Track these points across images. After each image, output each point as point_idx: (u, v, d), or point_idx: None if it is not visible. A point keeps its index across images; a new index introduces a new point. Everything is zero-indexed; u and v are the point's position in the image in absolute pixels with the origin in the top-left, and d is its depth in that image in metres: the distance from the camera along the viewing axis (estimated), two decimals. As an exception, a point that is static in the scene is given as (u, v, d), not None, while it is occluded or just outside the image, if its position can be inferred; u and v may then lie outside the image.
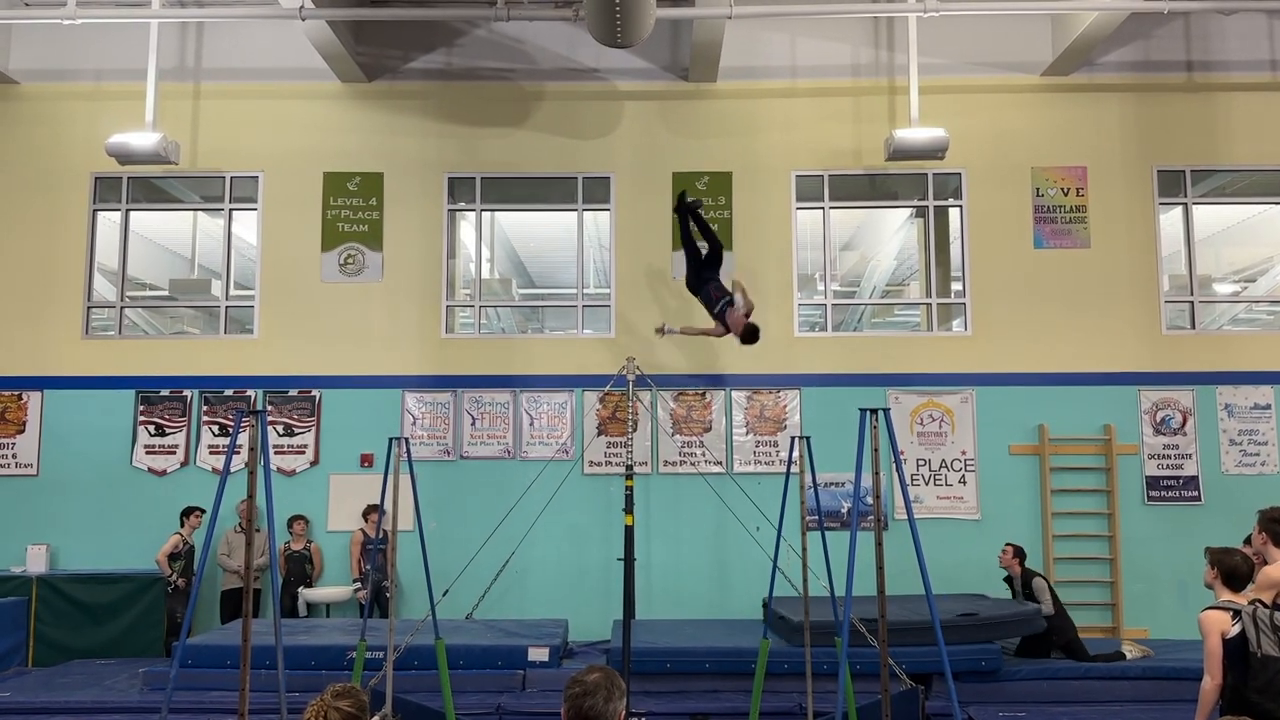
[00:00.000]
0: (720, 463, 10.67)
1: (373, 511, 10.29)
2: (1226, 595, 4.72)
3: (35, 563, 10.49)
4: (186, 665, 7.76)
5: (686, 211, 9.65)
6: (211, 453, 10.91)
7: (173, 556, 10.20)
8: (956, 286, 11.50)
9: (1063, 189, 11.13)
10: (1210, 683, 4.59)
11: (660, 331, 9.82)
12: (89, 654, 10.08)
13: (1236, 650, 4.52)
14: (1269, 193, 11.40)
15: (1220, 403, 10.85)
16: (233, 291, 11.55)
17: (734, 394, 10.98)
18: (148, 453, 10.92)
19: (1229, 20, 11.18)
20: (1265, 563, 5.11)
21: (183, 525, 10.33)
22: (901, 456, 10.28)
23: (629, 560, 8.68)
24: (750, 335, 9.07)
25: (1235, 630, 4.54)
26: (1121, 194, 11.11)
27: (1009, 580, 9.33)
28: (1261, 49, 11.23)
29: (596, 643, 9.66)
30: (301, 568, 10.43)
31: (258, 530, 9.13)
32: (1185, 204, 11.21)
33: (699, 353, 10.95)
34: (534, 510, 10.01)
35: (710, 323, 9.45)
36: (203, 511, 10.35)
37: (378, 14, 10.80)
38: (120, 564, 10.55)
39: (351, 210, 11.22)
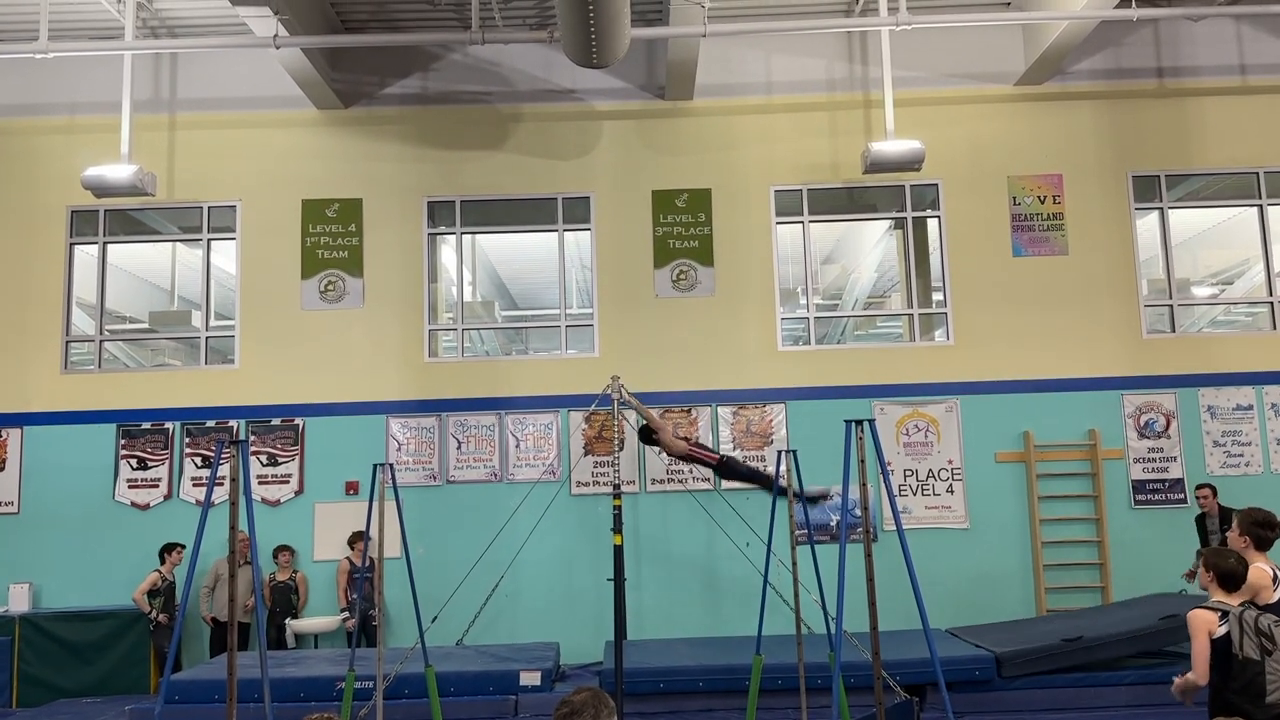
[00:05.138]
0: (708, 479, 10.63)
1: (359, 539, 10.20)
2: (1220, 596, 4.72)
3: (17, 601, 10.36)
4: (173, 701, 7.64)
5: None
6: (194, 485, 10.81)
7: (152, 593, 10.08)
8: (937, 297, 11.55)
9: (1039, 197, 11.21)
10: (1196, 680, 4.59)
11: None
12: (75, 693, 9.95)
13: (1221, 651, 4.53)
14: (1243, 195, 11.50)
15: (1203, 405, 10.91)
16: (213, 322, 11.48)
17: (720, 410, 10.97)
18: (130, 487, 10.81)
19: (1197, 26, 11.33)
20: None
21: (163, 562, 10.21)
22: (889, 467, 10.34)
23: (619, 580, 8.63)
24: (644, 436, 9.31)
25: (1222, 631, 4.55)
26: (1098, 200, 11.20)
27: (1201, 520, 9.72)
28: (1230, 54, 11.37)
29: (589, 665, 9.59)
30: (288, 599, 10.32)
31: (246, 563, 9.05)
32: (1161, 208, 11.31)
33: (684, 369, 10.95)
34: (522, 533, 9.96)
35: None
36: (183, 548, 10.23)
37: (352, 41, 10.82)
38: (105, 601, 10.41)
39: (331, 237, 11.19)
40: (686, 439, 9.35)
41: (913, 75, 11.08)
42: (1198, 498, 10.09)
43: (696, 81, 10.94)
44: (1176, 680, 4.72)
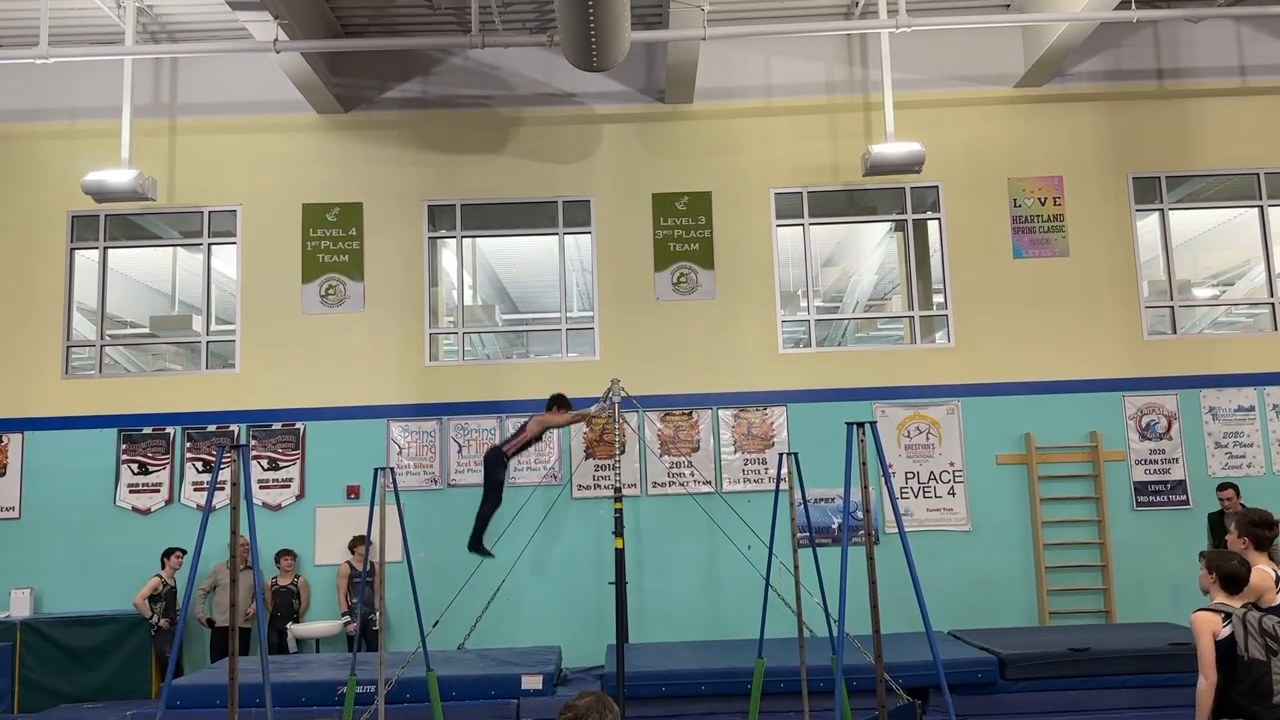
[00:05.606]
0: (709, 482, 10.63)
1: (359, 543, 10.19)
2: (1222, 598, 4.72)
3: (19, 607, 10.36)
4: (174, 706, 7.62)
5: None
6: (196, 490, 10.81)
7: (153, 598, 10.09)
8: (938, 299, 11.54)
9: (1040, 199, 11.21)
10: (1205, 684, 4.59)
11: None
12: (76, 698, 9.93)
13: (1226, 652, 4.53)
14: (1243, 196, 11.50)
15: (1204, 406, 10.90)
16: (214, 326, 11.48)
17: (721, 413, 10.97)
18: (131, 492, 10.81)
19: (1197, 27, 11.33)
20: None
21: (163, 566, 10.22)
22: (890, 470, 10.31)
23: (620, 584, 8.62)
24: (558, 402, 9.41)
25: (1226, 632, 4.55)
26: (1098, 202, 11.19)
27: (1218, 518, 9.57)
28: (1230, 55, 11.37)
29: (590, 669, 9.56)
30: (289, 603, 10.31)
31: (248, 568, 9.05)
32: (1161, 210, 11.31)
33: (685, 372, 10.94)
34: (524, 537, 9.94)
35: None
36: (184, 552, 10.23)
37: (352, 45, 10.82)
38: (106, 606, 10.41)
39: (331, 241, 11.19)
40: (539, 436, 9.50)
41: (912, 78, 11.08)
42: (1221, 499, 9.87)
43: (696, 85, 10.94)
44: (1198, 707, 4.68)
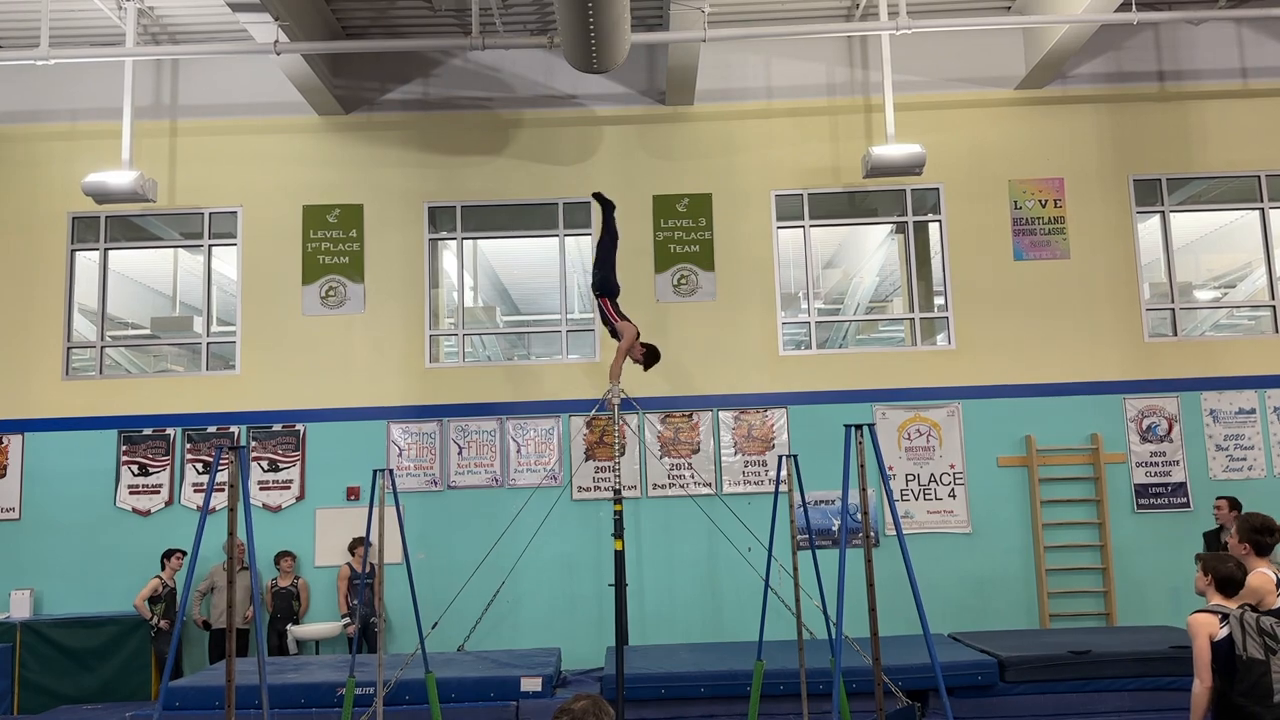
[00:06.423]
0: (709, 484, 10.62)
1: (359, 545, 10.20)
2: (1218, 600, 4.71)
3: (19, 608, 10.36)
4: (173, 708, 7.63)
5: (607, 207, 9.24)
6: (196, 491, 10.81)
7: (153, 599, 10.09)
8: (939, 301, 11.53)
9: (1040, 201, 11.20)
10: (1200, 685, 4.59)
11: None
12: (76, 699, 9.94)
13: (1224, 654, 4.52)
14: (1244, 199, 11.49)
15: (1205, 409, 10.89)
16: (214, 328, 11.49)
17: (721, 414, 10.96)
18: (131, 493, 10.81)
19: (1198, 30, 11.32)
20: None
21: (163, 568, 10.23)
22: (890, 472, 10.31)
23: (620, 585, 8.60)
24: (652, 356, 8.93)
25: (1223, 633, 4.55)
26: (1099, 204, 11.19)
27: (1213, 535, 9.39)
28: (1231, 57, 11.36)
29: (590, 671, 9.54)
30: (289, 605, 10.31)
31: (245, 569, 9.05)
32: (1162, 212, 11.30)
33: (685, 374, 10.94)
34: (524, 538, 9.92)
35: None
36: (184, 554, 10.24)
37: (353, 47, 10.82)
38: (106, 607, 10.41)
39: (332, 242, 11.20)
40: (614, 332, 8.99)
41: (913, 79, 11.08)
42: (1215, 511, 9.67)
43: (697, 86, 10.94)
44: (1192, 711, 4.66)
